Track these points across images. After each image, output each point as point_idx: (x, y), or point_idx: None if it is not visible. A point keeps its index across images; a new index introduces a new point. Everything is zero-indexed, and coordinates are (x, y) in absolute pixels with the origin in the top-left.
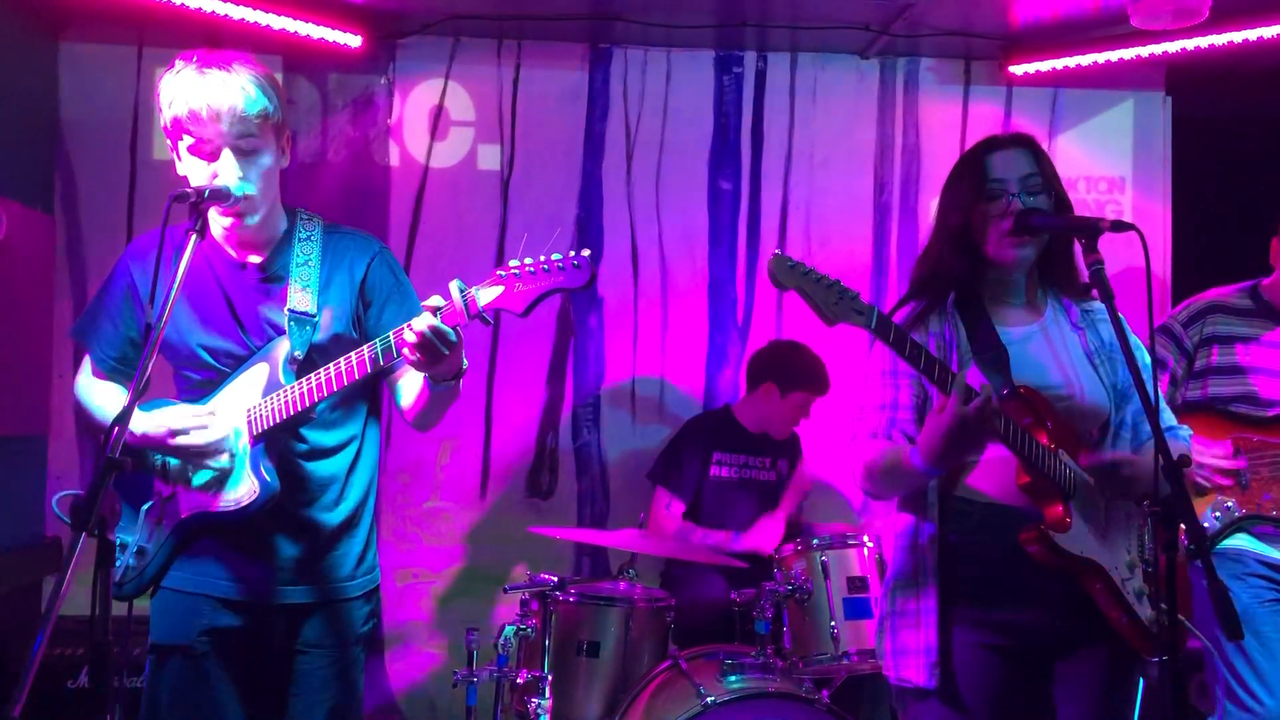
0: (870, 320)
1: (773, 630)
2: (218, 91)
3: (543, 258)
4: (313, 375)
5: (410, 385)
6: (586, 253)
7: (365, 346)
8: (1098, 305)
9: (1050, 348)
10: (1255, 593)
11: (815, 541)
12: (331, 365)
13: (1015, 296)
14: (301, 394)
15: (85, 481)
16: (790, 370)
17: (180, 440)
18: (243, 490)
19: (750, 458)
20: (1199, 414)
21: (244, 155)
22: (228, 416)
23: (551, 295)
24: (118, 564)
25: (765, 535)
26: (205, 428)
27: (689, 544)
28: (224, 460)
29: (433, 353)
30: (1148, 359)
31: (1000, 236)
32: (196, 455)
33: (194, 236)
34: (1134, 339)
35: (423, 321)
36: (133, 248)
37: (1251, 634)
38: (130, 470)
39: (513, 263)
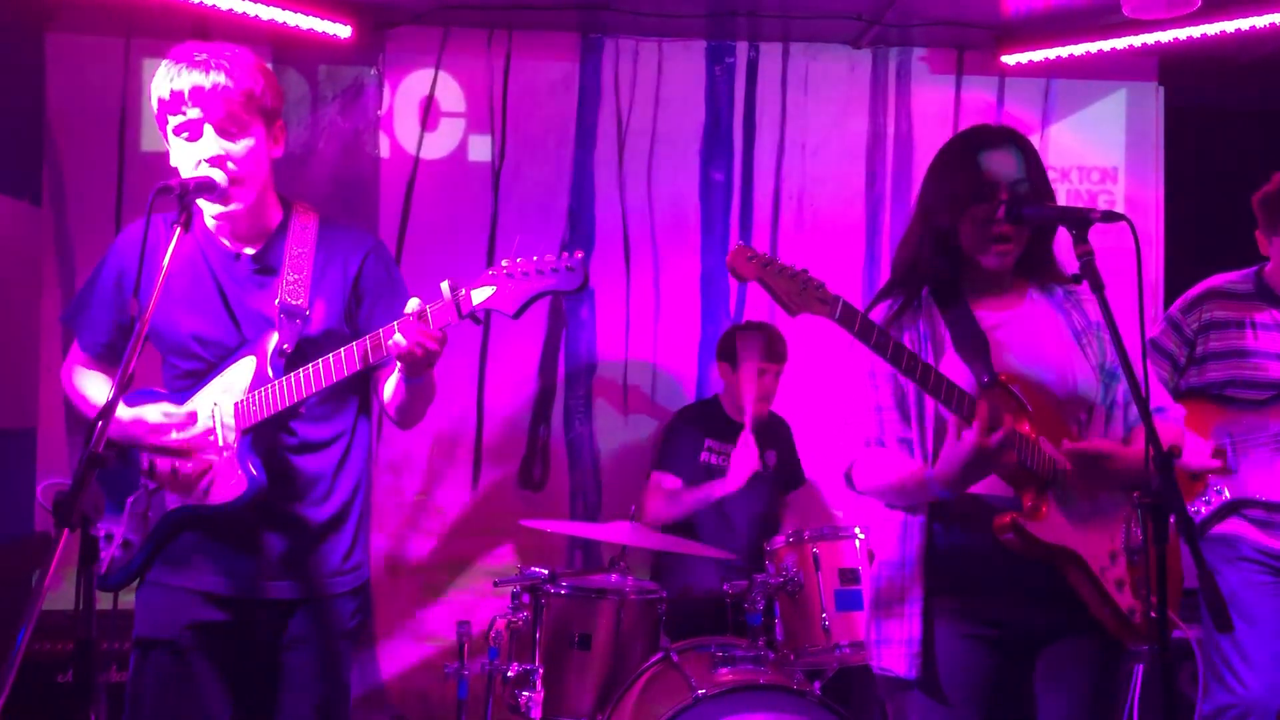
0: (835, 310)
1: (764, 622)
2: (201, 72)
3: (536, 259)
4: (302, 370)
5: (390, 381)
6: (581, 255)
7: (355, 343)
8: (1081, 287)
9: (1032, 331)
10: (1245, 576)
11: (807, 534)
12: (321, 361)
13: (995, 285)
14: (290, 388)
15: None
16: (732, 344)
17: (160, 438)
18: (230, 485)
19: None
20: (1196, 399)
21: (228, 135)
22: (211, 413)
23: (544, 297)
24: (103, 555)
25: (742, 461)
26: (184, 427)
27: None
28: (208, 457)
29: (421, 357)
30: (1139, 343)
31: (988, 242)
32: (177, 454)
33: (179, 229)
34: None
35: (418, 327)
36: (125, 235)
37: (1238, 616)
38: (115, 463)
39: (505, 262)
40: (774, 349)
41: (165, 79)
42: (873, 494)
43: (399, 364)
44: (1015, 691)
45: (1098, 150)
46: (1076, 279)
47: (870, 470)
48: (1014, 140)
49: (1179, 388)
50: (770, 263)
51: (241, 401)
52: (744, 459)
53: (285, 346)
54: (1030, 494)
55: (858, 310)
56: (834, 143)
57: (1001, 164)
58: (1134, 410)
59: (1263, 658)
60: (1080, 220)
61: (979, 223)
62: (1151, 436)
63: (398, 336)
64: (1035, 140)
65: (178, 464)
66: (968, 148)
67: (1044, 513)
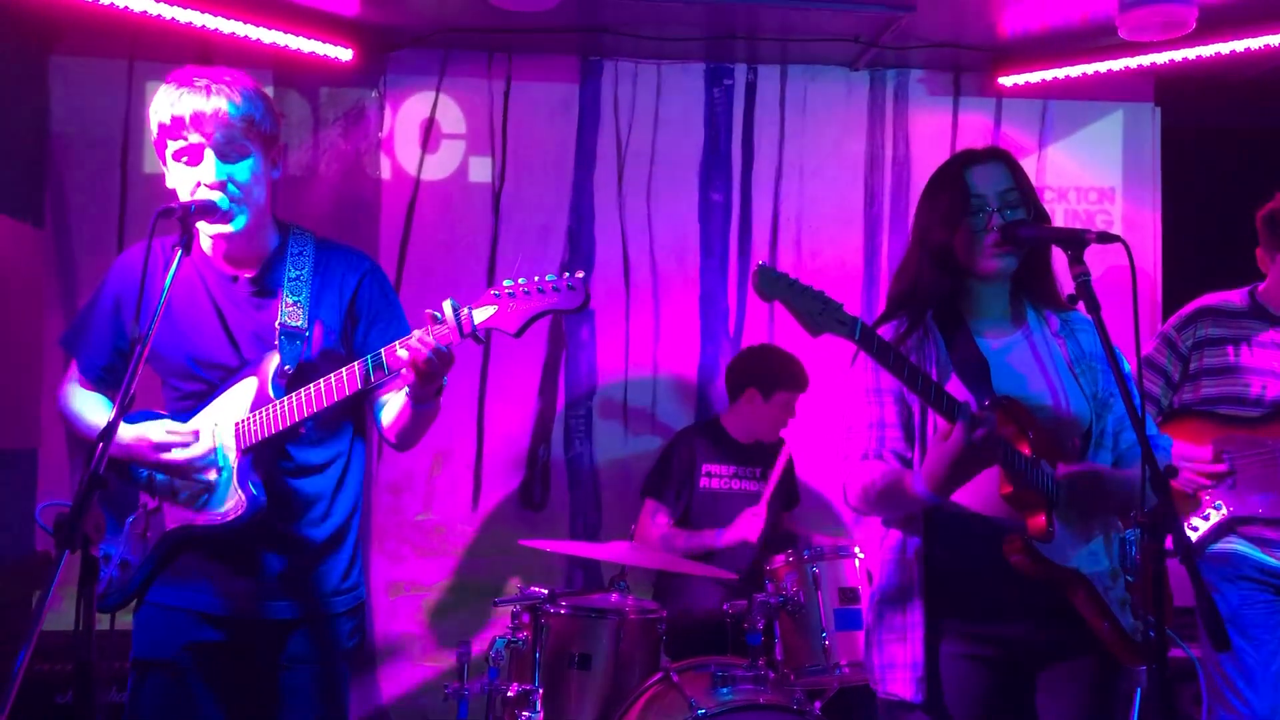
0: (853, 331)
1: (764, 642)
2: (201, 97)
3: (537, 278)
4: (301, 390)
5: (392, 404)
6: (581, 274)
7: (356, 363)
8: (1076, 315)
9: (1031, 357)
10: (1245, 595)
11: (806, 553)
12: (321, 381)
13: (995, 308)
14: (290, 409)
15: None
16: (769, 372)
17: (162, 456)
18: (229, 504)
19: (740, 468)
20: (1190, 417)
21: (227, 159)
22: (212, 433)
23: (545, 316)
24: (101, 576)
25: (747, 525)
26: (186, 445)
27: (675, 550)
28: (209, 476)
29: (429, 372)
30: (1128, 367)
31: (984, 249)
32: (179, 471)
33: (180, 252)
34: (1117, 351)
35: (419, 340)
36: (123, 258)
37: (1240, 635)
38: (115, 484)
39: (506, 282)
40: (804, 379)
41: (165, 103)
42: (864, 505)
43: (406, 386)
44: (1016, 711)
45: (1095, 171)
46: (1073, 299)
47: (862, 480)
48: (998, 155)
49: (1172, 404)
50: (793, 283)
51: (242, 421)
52: (750, 524)
53: (287, 368)
54: (1036, 516)
55: (875, 333)
56: (832, 164)
57: (989, 176)
58: (1124, 438)
59: (1265, 677)
60: (1075, 241)
61: (974, 233)
62: (1147, 454)
63: (401, 351)
64: (1033, 161)
65: (176, 481)
66: (954, 167)
67: (1051, 534)
